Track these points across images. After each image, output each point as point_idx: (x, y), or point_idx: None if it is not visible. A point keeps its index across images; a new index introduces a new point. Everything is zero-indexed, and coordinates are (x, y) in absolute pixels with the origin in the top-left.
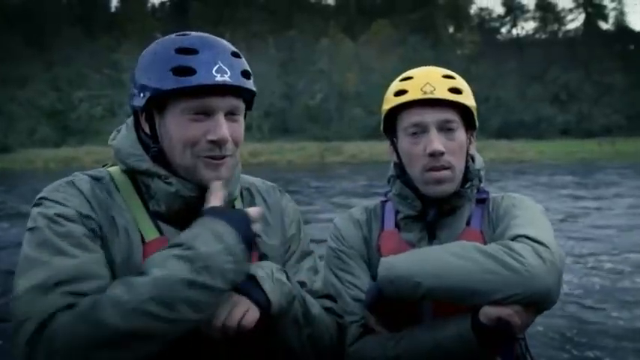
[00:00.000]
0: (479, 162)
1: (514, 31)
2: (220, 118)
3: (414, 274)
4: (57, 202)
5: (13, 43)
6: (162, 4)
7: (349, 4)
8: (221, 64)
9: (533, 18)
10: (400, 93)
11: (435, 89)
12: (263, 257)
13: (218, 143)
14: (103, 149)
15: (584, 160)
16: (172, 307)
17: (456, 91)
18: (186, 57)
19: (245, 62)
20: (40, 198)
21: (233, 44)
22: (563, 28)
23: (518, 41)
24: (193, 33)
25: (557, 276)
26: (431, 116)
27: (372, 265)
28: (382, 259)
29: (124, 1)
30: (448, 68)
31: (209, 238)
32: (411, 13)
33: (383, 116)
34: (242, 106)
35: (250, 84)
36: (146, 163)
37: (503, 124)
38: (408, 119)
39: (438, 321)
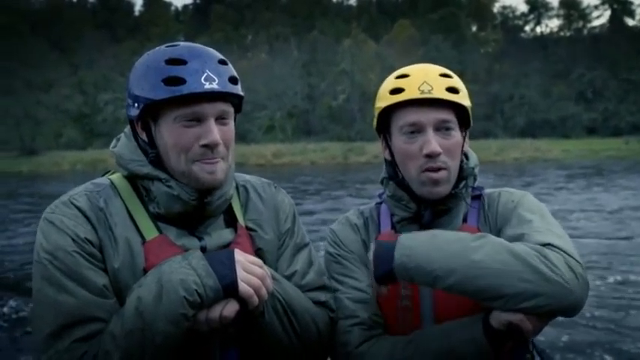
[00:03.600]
0: (473, 159)
1: (538, 29)
2: (211, 123)
3: (436, 267)
4: (54, 226)
5: (38, 48)
6: (184, 7)
7: (371, 5)
8: (209, 73)
9: (558, 15)
10: (396, 91)
11: (432, 88)
12: (258, 251)
13: (210, 147)
14: None
15: (611, 158)
16: (151, 329)
17: (453, 90)
18: (176, 67)
19: (232, 69)
20: (44, 218)
21: (255, 46)
22: (589, 25)
23: (542, 39)
24: (182, 43)
25: (587, 291)
26: (428, 116)
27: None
28: (400, 239)
29: (148, 5)
30: (471, 67)
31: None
32: (432, 13)
33: (377, 114)
34: (231, 110)
35: (237, 89)
36: (147, 168)
37: (527, 122)
38: (404, 118)
39: (448, 325)
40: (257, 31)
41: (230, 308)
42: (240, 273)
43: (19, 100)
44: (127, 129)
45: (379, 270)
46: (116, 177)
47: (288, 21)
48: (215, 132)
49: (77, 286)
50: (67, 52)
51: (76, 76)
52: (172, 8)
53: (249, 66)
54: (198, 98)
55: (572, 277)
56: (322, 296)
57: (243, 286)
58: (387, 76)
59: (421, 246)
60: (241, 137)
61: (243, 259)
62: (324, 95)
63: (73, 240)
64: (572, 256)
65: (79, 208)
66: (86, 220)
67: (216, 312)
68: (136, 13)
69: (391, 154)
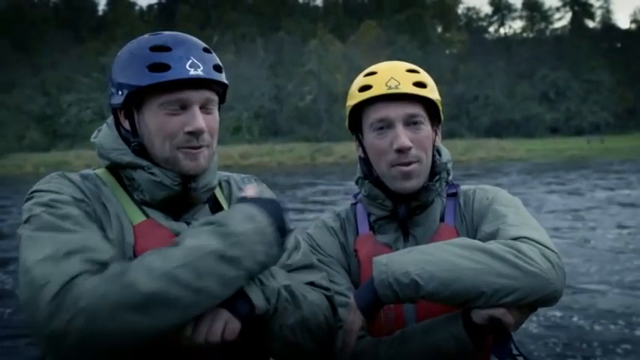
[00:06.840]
0: (445, 155)
1: (502, 31)
2: (196, 110)
3: (414, 276)
4: (50, 191)
5: (0, 48)
6: (149, 7)
7: (337, 6)
8: (194, 59)
9: (521, 17)
10: (365, 88)
11: (399, 83)
12: None
13: (195, 134)
14: (93, 153)
15: (574, 157)
16: (200, 276)
17: (420, 85)
18: (161, 54)
19: (216, 57)
20: (32, 192)
21: (221, 46)
22: (551, 27)
23: (506, 40)
24: (166, 32)
25: (564, 279)
26: (396, 111)
27: (351, 272)
28: (375, 259)
29: (112, 5)
30: (437, 68)
31: (241, 218)
32: (398, 14)
33: (348, 112)
34: (215, 98)
35: (222, 77)
36: (128, 156)
37: (492, 122)
38: (374, 115)
39: (429, 322)
40: (223, 32)
41: (232, 329)
42: None
43: None
44: (110, 119)
45: (362, 300)
46: (100, 171)
47: (254, 21)
48: (200, 119)
49: (78, 227)
50: (29, 53)
51: (38, 77)
52: (137, 8)
53: None
54: (183, 85)
55: (549, 267)
56: (310, 276)
57: None
58: (353, 77)
59: (396, 259)
60: None
61: None
62: (291, 96)
63: (72, 197)
64: (547, 247)
65: (72, 181)
66: (81, 191)
67: (216, 334)
68: (100, 13)
69: (364, 151)
